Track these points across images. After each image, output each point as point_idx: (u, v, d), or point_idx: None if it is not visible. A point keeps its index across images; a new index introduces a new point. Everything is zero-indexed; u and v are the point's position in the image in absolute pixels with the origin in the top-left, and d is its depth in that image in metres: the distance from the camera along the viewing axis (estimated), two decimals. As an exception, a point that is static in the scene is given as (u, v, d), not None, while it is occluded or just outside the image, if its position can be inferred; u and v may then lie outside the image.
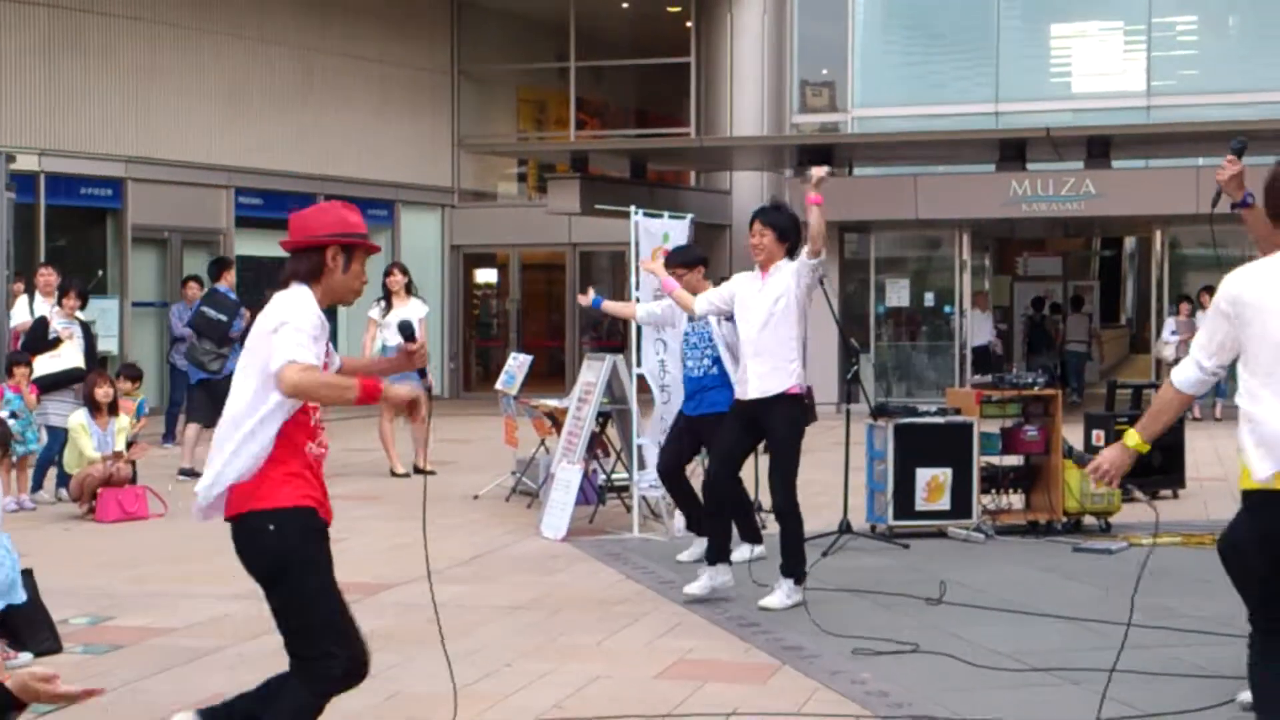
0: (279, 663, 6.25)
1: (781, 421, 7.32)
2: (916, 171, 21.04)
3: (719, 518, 7.57)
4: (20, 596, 6.37)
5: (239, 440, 4.38)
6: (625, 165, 22.43)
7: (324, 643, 4.46)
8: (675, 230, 10.07)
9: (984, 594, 7.55)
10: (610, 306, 9.61)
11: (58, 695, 3.33)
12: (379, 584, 7.98)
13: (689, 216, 10.35)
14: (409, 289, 13.30)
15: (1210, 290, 18.98)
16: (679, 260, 8.56)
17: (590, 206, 20.31)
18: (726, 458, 7.49)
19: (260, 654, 6.40)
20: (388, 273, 13.39)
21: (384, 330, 13.03)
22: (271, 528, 4.43)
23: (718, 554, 7.48)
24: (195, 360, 12.92)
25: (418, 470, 13.20)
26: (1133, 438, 4.54)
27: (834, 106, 23.74)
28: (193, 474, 11.69)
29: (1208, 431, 16.91)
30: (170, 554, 9.07)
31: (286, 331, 4.31)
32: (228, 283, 13.35)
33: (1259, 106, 21.47)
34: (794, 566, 7.33)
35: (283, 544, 4.45)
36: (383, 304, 13.17)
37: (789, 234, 7.44)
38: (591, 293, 9.35)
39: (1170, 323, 19.61)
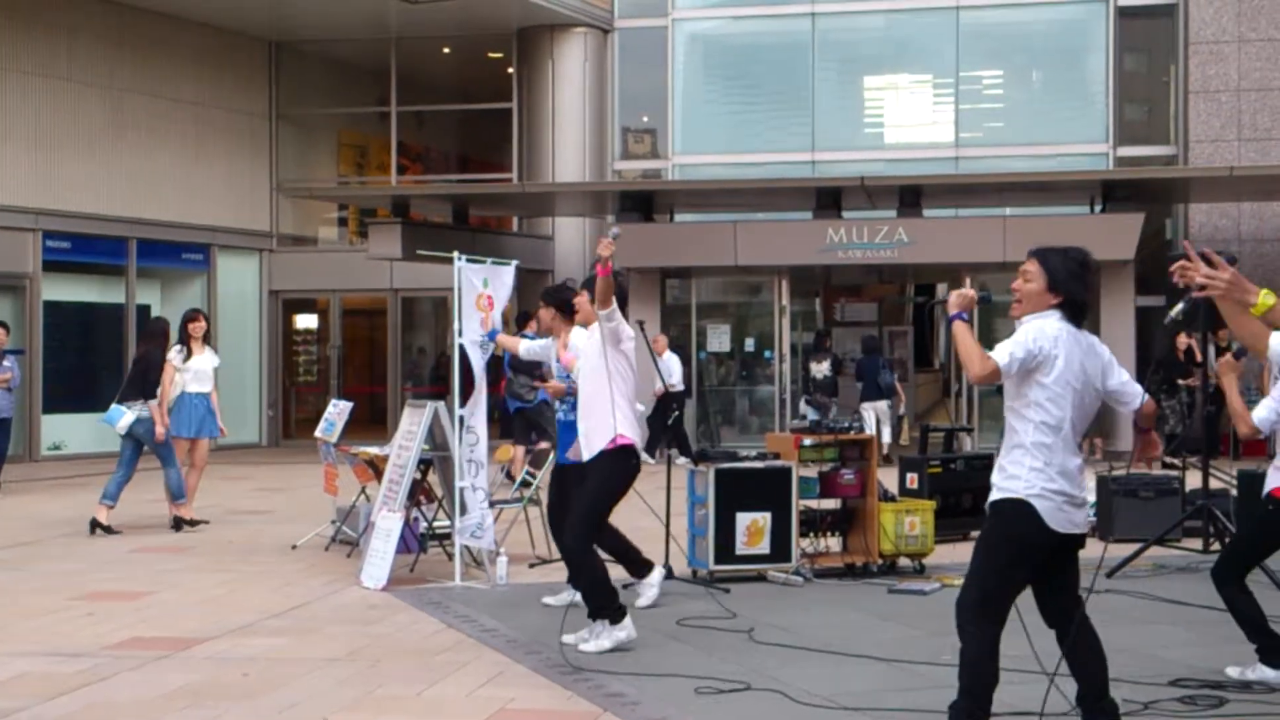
0: (84, 723, 6.05)
1: (593, 472, 7.60)
2: (736, 218, 21.37)
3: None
4: None
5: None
6: (448, 210, 22.36)
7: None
8: (497, 277, 9.96)
9: (802, 636, 7.64)
10: (504, 340, 9.69)
11: None
12: (191, 639, 7.75)
13: (514, 262, 10.28)
14: (206, 338, 13.09)
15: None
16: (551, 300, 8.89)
17: (412, 252, 20.17)
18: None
19: (59, 714, 6.17)
20: (192, 318, 13.11)
21: (183, 374, 12.83)
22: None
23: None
24: (513, 393, 14.83)
25: (181, 523, 12.69)
26: (1271, 297, 5.19)
27: (655, 153, 24.04)
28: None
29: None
30: (-32, 612, 8.69)
31: None
32: (533, 329, 14.44)
33: (1061, 159, 22.36)
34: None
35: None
36: (183, 349, 12.89)
37: (567, 307, 8.44)
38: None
39: None
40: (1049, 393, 5.12)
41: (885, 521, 9.78)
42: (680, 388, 19.40)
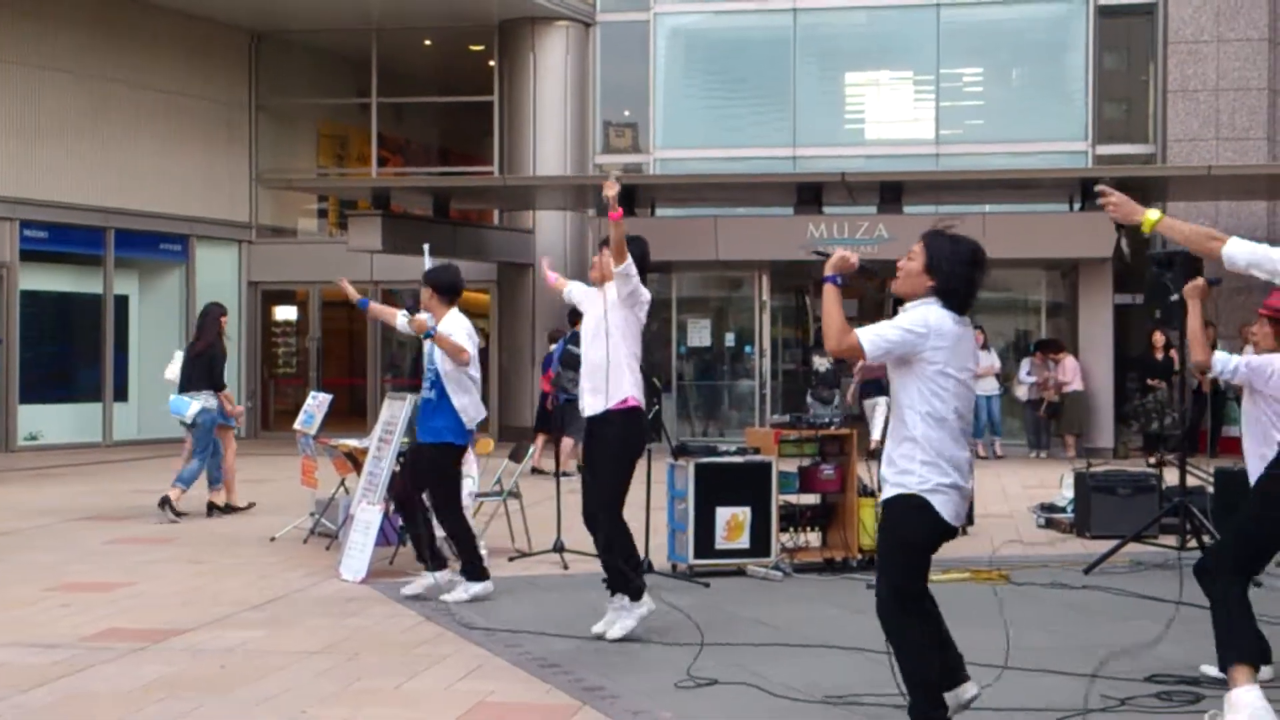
0: (59, 714, 6.02)
1: (602, 441, 7.51)
2: (717, 213, 21.37)
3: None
4: None
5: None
6: (428, 203, 22.30)
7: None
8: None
9: (781, 630, 7.66)
10: (377, 309, 9.58)
11: None
12: (170, 630, 7.73)
13: (425, 245, 10.21)
14: None
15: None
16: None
17: (392, 244, 20.15)
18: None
19: (37, 706, 6.15)
20: (225, 313, 13.40)
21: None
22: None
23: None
24: (562, 386, 15.61)
25: (226, 508, 13.00)
26: (1155, 214, 5.35)
27: (636, 147, 24.01)
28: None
29: (994, 471, 17.50)
30: (-56, 602, 8.65)
31: None
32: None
33: (1040, 156, 22.42)
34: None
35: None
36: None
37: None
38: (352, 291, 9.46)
39: (1026, 364, 20.56)
40: (934, 385, 5.14)
41: (865, 516, 9.80)
42: None
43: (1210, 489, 11.22)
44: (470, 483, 9.57)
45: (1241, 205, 21.37)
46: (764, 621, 7.92)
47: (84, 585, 9.23)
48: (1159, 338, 18.61)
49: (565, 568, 9.80)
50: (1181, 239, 5.42)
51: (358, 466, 10.61)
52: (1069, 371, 20.00)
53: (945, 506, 5.13)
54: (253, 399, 24.44)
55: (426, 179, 24.65)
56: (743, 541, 9.49)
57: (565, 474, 12.67)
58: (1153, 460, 13.36)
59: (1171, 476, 11.08)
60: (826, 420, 10.27)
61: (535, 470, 16.11)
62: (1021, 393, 20.53)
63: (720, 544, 9.45)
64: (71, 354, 22.23)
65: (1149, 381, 18.60)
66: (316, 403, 12.17)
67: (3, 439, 20.45)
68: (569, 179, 22.71)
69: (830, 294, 5.24)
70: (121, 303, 22.65)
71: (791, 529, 10.04)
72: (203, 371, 12.78)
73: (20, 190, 20.66)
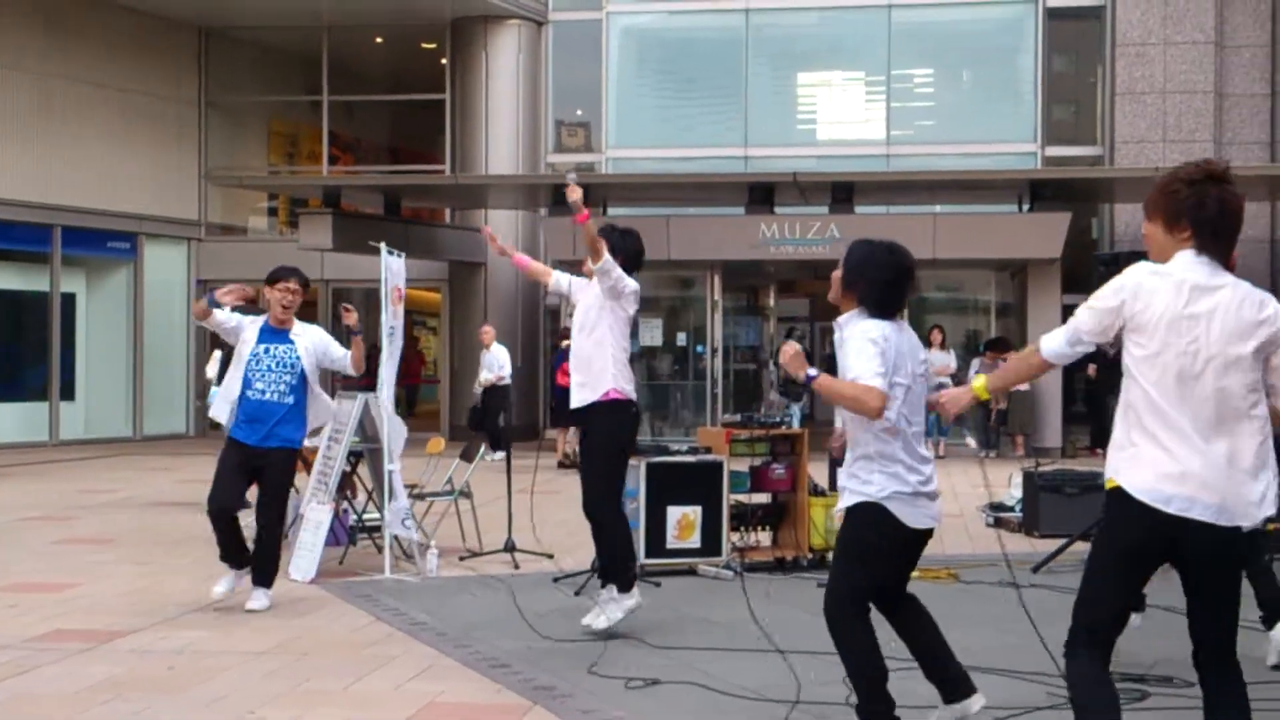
0: (3, 715, 5.95)
1: (590, 432, 7.56)
2: (669, 212, 21.39)
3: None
4: None
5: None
6: (379, 201, 22.22)
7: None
8: (395, 266, 10.01)
9: (733, 630, 7.67)
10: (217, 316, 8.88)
11: None
12: (113, 631, 7.66)
13: (381, 245, 10.14)
14: None
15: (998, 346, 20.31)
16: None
17: (343, 242, 20.05)
18: None
19: (-16, 708, 6.09)
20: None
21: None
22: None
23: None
24: None
25: None
26: (979, 382, 4.86)
27: (589, 147, 24.01)
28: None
29: (943, 470, 17.59)
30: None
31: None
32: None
33: (990, 157, 22.57)
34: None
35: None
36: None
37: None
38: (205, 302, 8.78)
39: (975, 363, 20.69)
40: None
41: (815, 516, 9.85)
42: (508, 381, 18.69)
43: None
44: (395, 473, 9.57)
45: (1188, 207, 21.56)
46: (715, 621, 7.94)
47: (30, 585, 9.14)
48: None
49: (516, 567, 9.78)
50: (1012, 383, 5.11)
51: (308, 466, 10.54)
52: None
53: (904, 511, 5.19)
54: (202, 398, 24.24)
55: (378, 177, 24.56)
56: (694, 541, 9.50)
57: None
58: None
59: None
60: (778, 419, 10.30)
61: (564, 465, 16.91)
62: None
63: (671, 543, 9.46)
64: (18, 353, 21.99)
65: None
66: (266, 402, 12.08)
67: (-53, 438, 20.22)
68: (521, 178, 22.67)
69: (824, 383, 5.15)
70: (68, 301, 22.43)
71: (742, 528, 10.06)
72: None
73: (-35, 187, 20.44)
